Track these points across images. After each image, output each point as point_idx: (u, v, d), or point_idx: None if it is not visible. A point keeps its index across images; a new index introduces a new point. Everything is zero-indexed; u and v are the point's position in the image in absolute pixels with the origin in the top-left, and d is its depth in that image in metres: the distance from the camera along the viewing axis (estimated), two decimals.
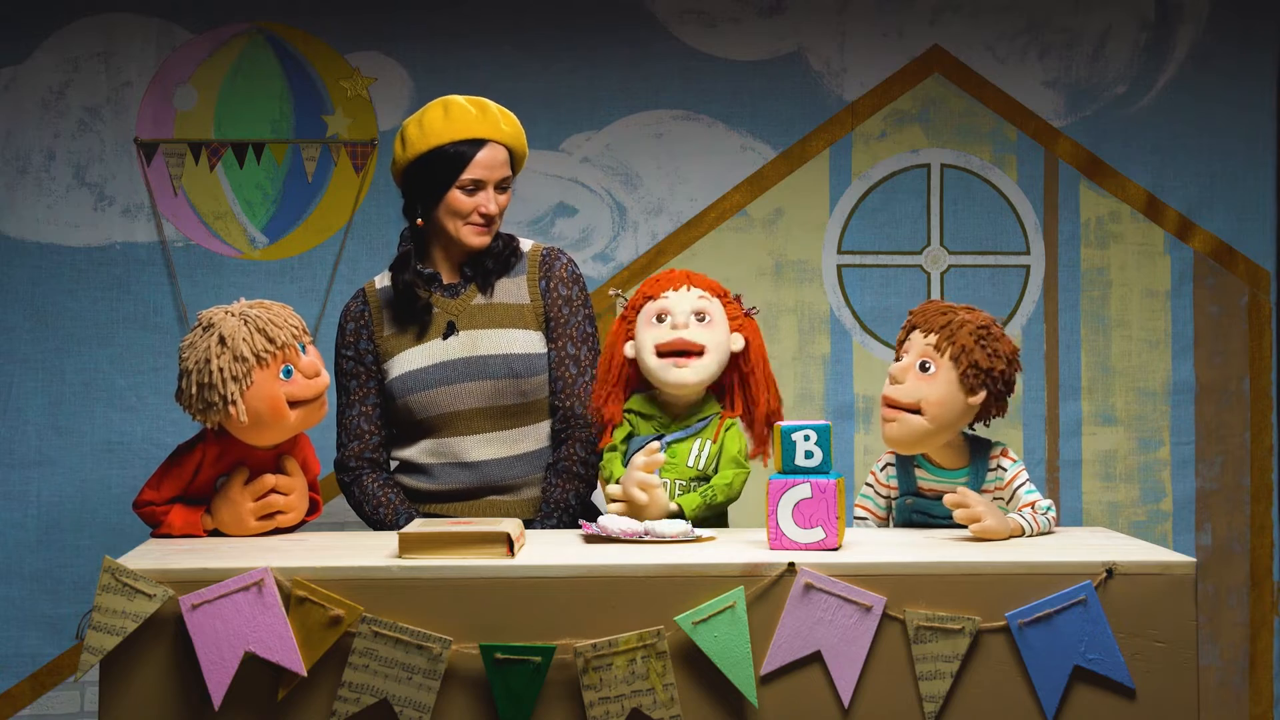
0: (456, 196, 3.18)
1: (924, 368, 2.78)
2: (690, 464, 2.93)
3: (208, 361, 2.74)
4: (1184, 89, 4.42)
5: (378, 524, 3.18)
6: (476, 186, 3.18)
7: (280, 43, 4.29)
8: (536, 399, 3.21)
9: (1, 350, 4.21)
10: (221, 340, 2.75)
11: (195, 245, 4.27)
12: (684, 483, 2.91)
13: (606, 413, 2.98)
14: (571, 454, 3.20)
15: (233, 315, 2.79)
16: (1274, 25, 4.44)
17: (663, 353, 2.91)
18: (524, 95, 4.04)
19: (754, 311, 3.03)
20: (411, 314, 3.23)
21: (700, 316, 2.93)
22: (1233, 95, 4.43)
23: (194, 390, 2.75)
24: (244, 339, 2.75)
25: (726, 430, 2.95)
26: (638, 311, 2.98)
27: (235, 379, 2.74)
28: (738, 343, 2.96)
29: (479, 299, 3.24)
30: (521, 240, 3.34)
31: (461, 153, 3.17)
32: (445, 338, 3.21)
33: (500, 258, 3.26)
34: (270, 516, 2.86)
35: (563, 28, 4.34)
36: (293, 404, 2.80)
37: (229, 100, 4.28)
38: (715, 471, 2.93)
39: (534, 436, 3.22)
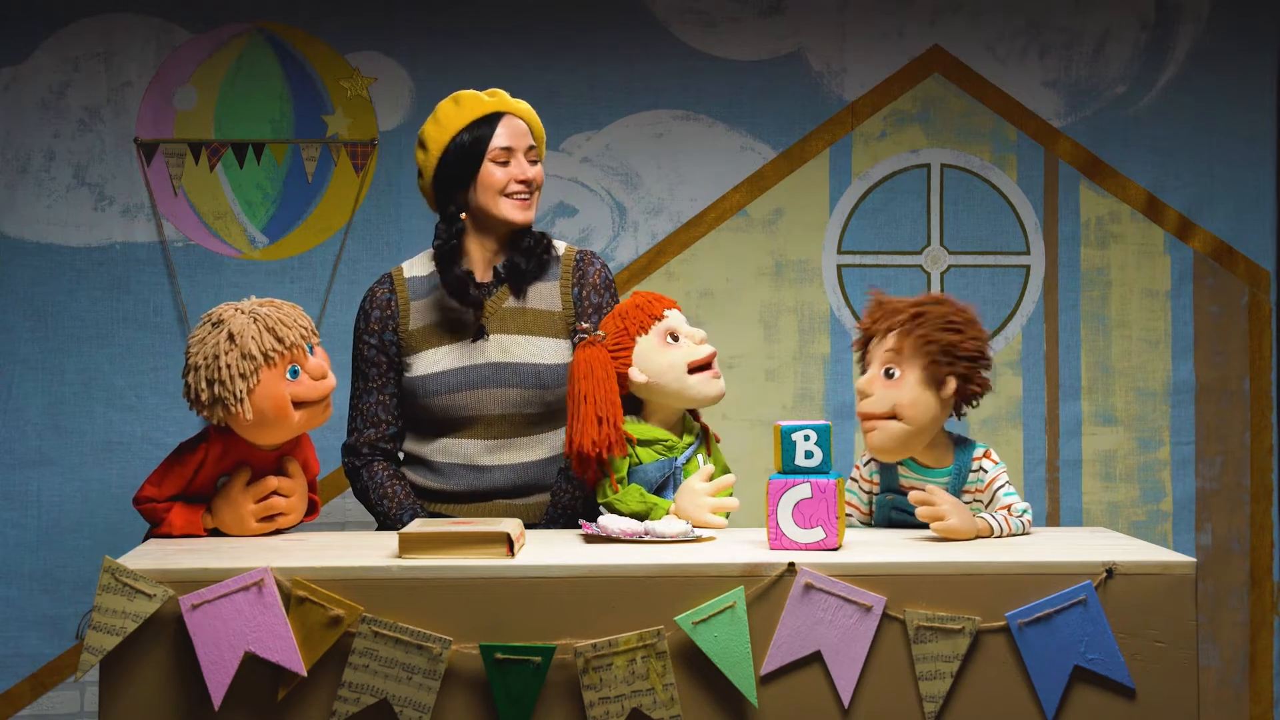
0: (490, 171, 3.16)
1: (889, 374, 2.78)
2: None
3: (216, 358, 2.73)
4: (1184, 89, 4.42)
5: (381, 515, 3.16)
6: (508, 155, 3.18)
7: (280, 43, 4.29)
8: (558, 408, 3.17)
9: (1, 350, 4.21)
10: (230, 337, 2.74)
11: (195, 245, 4.28)
12: None
13: (620, 449, 2.89)
14: None
15: (242, 313, 2.79)
16: (1274, 25, 4.44)
17: (696, 368, 2.91)
18: (524, 95, 4.03)
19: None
20: (458, 310, 3.17)
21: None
22: (1233, 95, 4.43)
23: (201, 385, 2.75)
24: (253, 337, 2.74)
25: (713, 442, 2.99)
26: (639, 335, 2.93)
27: (243, 376, 2.73)
28: None
29: (511, 301, 3.20)
30: (555, 241, 3.31)
31: (483, 130, 3.18)
32: (475, 340, 3.18)
33: (535, 257, 3.22)
34: (271, 518, 2.86)
35: (563, 28, 4.34)
36: (298, 405, 2.79)
37: (229, 100, 4.28)
38: None
39: (549, 444, 3.19)
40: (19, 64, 4.25)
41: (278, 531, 2.87)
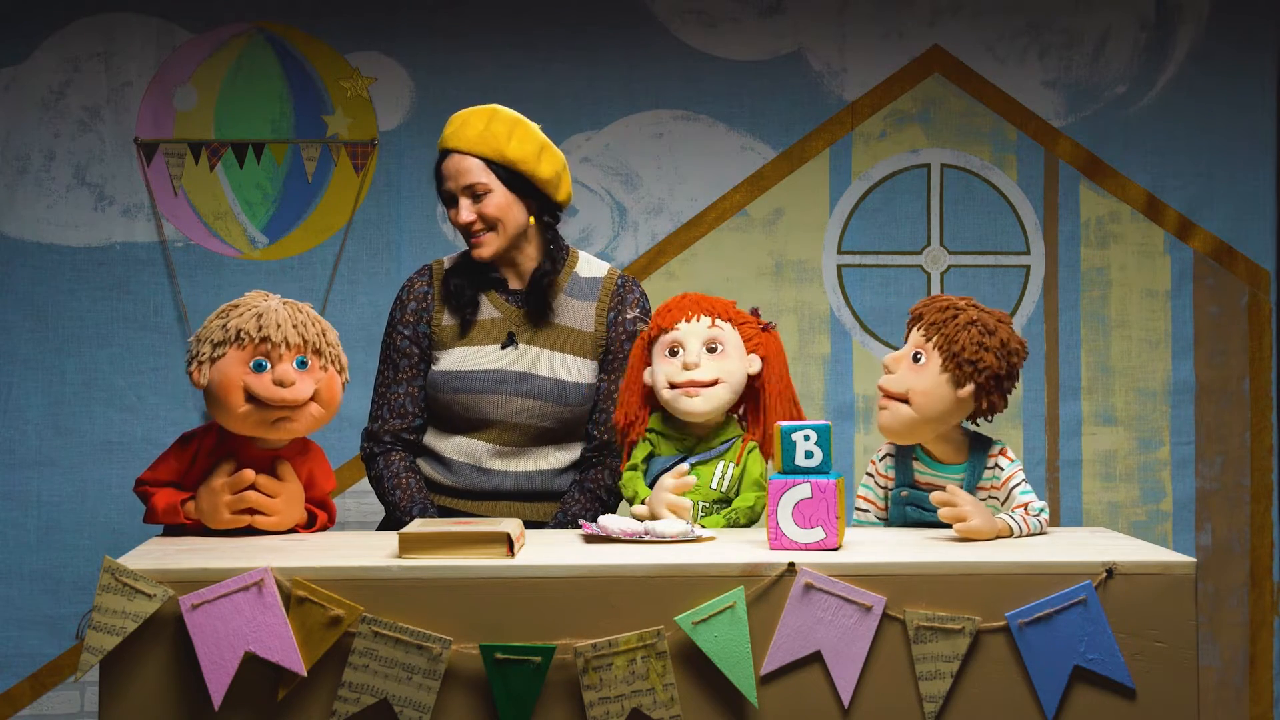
0: (449, 213, 3.19)
1: (915, 358, 2.79)
2: (714, 486, 2.92)
3: (210, 319, 2.82)
4: (1184, 89, 4.42)
5: (391, 505, 3.16)
6: (452, 199, 3.17)
7: (280, 43, 4.30)
8: (576, 425, 3.18)
9: (1, 350, 4.22)
10: (230, 310, 2.80)
11: (195, 245, 4.28)
12: (706, 504, 2.90)
13: (633, 433, 2.96)
14: (599, 478, 3.17)
15: (269, 300, 2.84)
16: (1274, 25, 4.44)
17: (675, 385, 2.91)
18: (524, 95, 4.04)
19: (772, 326, 3.01)
20: (489, 313, 3.20)
21: (711, 347, 2.91)
22: (1233, 95, 4.43)
23: (193, 335, 2.84)
24: (238, 315, 2.78)
25: (749, 453, 2.94)
26: (653, 341, 2.96)
27: (213, 344, 2.77)
28: (754, 365, 2.95)
29: (547, 314, 3.21)
30: (595, 261, 3.29)
31: (437, 171, 3.18)
32: (504, 347, 3.18)
33: (549, 276, 3.20)
34: (249, 514, 2.82)
35: (563, 28, 4.34)
36: (250, 398, 2.77)
37: (229, 100, 4.28)
38: (737, 494, 2.92)
39: (561, 457, 3.19)
40: (19, 64, 4.25)
41: (261, 533, 2.84)
